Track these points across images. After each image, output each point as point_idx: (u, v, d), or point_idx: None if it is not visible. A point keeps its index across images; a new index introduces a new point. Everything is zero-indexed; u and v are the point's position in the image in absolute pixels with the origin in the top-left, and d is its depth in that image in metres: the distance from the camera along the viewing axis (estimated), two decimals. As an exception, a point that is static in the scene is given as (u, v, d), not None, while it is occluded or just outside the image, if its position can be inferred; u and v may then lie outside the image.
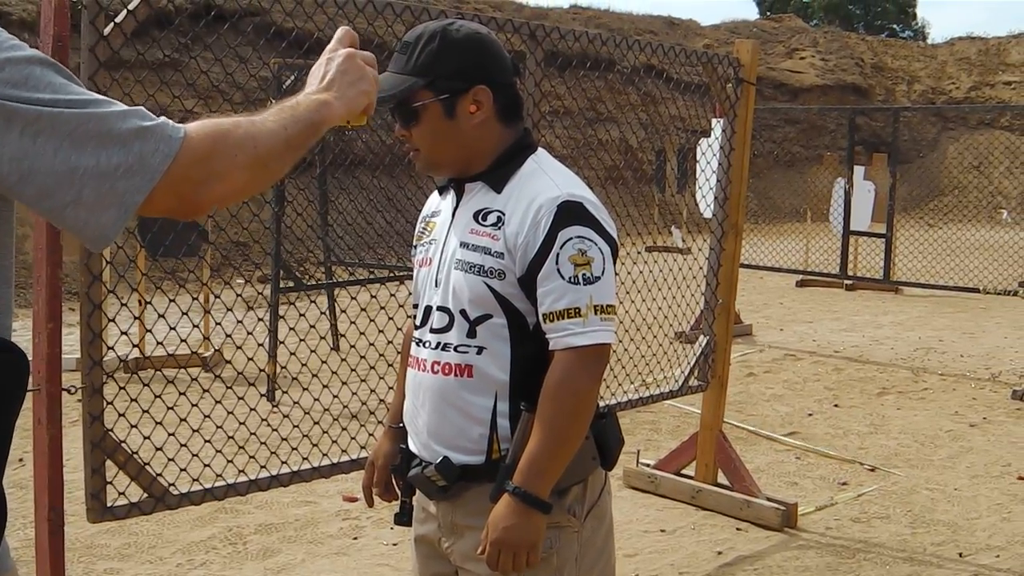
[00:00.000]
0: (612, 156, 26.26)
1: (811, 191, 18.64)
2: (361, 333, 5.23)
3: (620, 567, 5.09)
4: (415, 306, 2.82)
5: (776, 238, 17.77)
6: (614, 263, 2.63)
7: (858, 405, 8.87)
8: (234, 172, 1.67)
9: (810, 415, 8.48)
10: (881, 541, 5.73)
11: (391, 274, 9.68)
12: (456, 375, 2.64)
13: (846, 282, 15.78)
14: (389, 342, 5.16)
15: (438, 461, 2.64)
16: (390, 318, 5.19)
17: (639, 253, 6.10)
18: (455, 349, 2.64)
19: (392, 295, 5.90)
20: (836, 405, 8.86)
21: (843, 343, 11.86)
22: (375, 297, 5.63)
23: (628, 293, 6.21)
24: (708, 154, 8.38)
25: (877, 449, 7.55)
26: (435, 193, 2.88)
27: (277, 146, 1.73)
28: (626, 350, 6.33)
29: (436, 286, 2.71)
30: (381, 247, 11.06)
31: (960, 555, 5.54)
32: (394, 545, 5.48)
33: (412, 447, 2.80)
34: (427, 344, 2.71)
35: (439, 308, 2.70)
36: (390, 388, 5.16)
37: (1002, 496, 6.55)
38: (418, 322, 2.78)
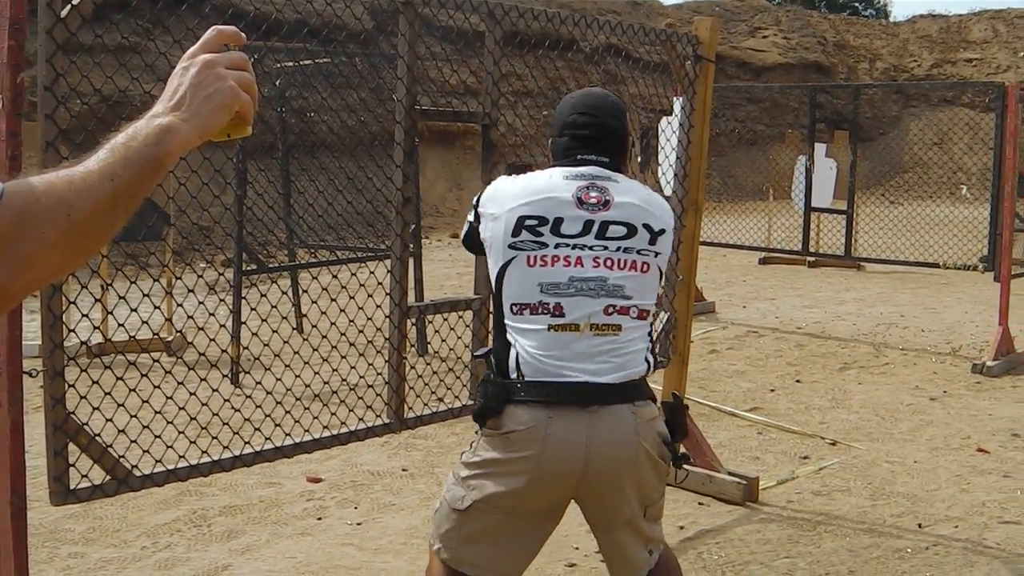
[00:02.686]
0: (576, 136, 26.11)
1: (773, 169, 18.78)
2: (322, 313, 5.23)
3: (583, 544, 5.16)
4: None
5: (739, 216, 17.87)
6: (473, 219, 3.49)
7: (820, 380, 8.96)
8: (42, 255, 1.39)
9: (772, 391, 8.55)
10: (841, 513, 5.79)
11: (353, 255, 9.67)
12: None
13: (808, 259, 15.87)
14: (351, 321, 5.18)
15: None
16: (351, 298, 5.20)
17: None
18: None
19: (353, 274, 5.90)
20: (798, 381, 8.93)
21: (805, 319, 11.95)
22: (336, 278, 5.63)
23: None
24: (668, 132, 8.40)
25: (838, 423, 7.62)
26: None
27: (101, 205, 1.44)
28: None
29: None
30: (344, 229, 11.06)
31: (919, 526, 5.61)
32: (358, 524, 5.50)
33: None
34: None
35: None
36: (352, 368, 5.21)
37: (961, 468, 6.63)
38: None
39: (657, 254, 3.33)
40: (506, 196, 3.34)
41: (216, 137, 1.66)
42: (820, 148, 14.53)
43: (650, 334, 3.40)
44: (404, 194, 4.78)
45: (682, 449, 3.42)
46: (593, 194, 3.28)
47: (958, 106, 34.18)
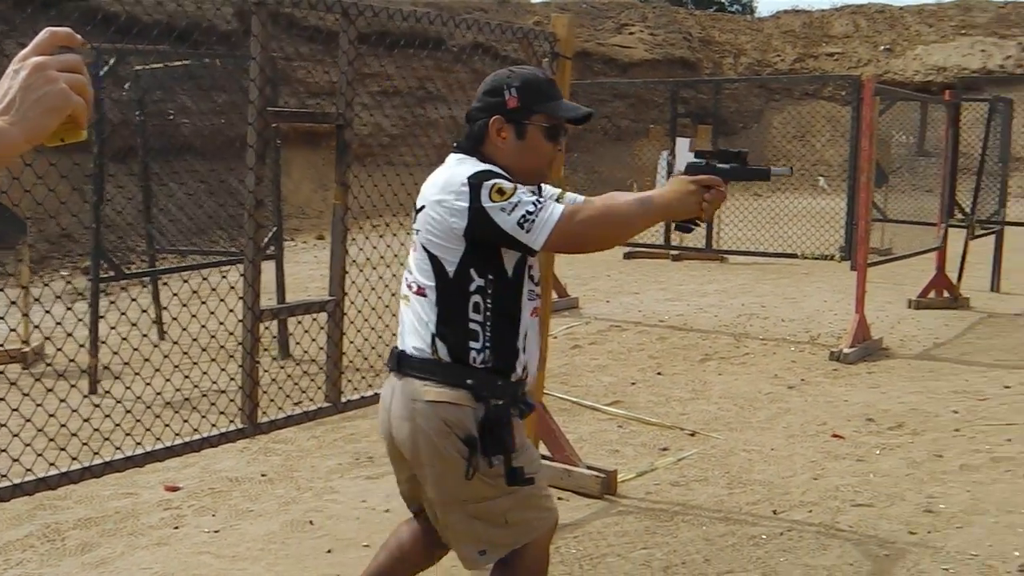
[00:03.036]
0: (442, 135, 26.21)
1: (638, 164, 18.93)
2: (173, 319, 5.16)
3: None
4: (532, 266, 3.49)
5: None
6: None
7: (681, 372, 9.08)
8: None
9: (633, 384, 8.65)
10: (699, 503, 5.88)
11: (208, 259, 9.55)
12: None
13: (672, 253, 16.07)
14: (203, 327, 5.12)
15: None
16: (203, 303, 5.14)
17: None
18: None
19: (205, 279, 5.84)
20: (659, 373, 9.04)
21: (668, 312, 12.11)
22: (187, 283, 5.56)
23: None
24: None
25: (698, 414, 7.73)
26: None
27: None
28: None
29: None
30: (210, 232, 10.94)
31: (774, 512, 5.72)
32: (215, 532, 5.44)
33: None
34: (539, 295, 3.55)
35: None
36: (204, 374, 5.15)
37: (816, 454, 6.77)
38: (537, 279, 3.54)
39: (417, 231, 3.41)
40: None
41: (49, 141, 1.62)
42: (683, 142, 14.69)
43: (442, 314, 3.38)
44: (256, 197, 4.73)
45: (516, 463, 3.36)
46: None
47: (819, 99, 34.85)
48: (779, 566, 5.01)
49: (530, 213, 3.20)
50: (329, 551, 5.19)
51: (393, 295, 5.95)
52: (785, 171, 3.64)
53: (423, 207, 3.37)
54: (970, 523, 5.55)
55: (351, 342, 5.67)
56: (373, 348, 5.99)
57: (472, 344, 3.37)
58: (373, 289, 5.90)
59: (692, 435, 7.22)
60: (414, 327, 3.41)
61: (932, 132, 14.23)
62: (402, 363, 3.44)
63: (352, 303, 5.54)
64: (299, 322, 5.66)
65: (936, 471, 6.42)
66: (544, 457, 6.22)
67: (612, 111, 30.72)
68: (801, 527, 5.50)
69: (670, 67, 33.54)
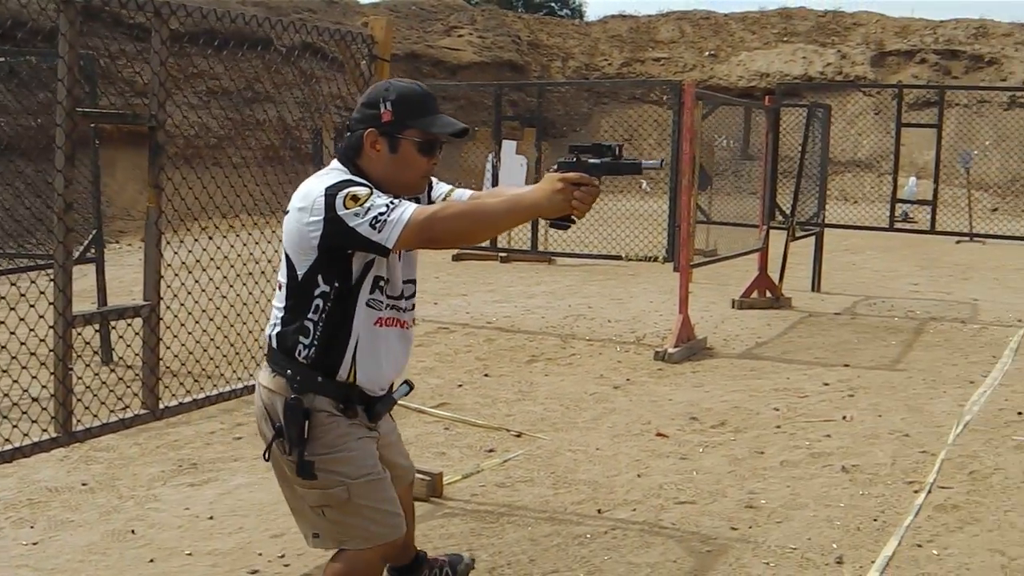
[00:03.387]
0: (270, 136, 25.91)
1: (465, 166, 18.91)
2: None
3: (267, 547, 5.05)
4: (387, 281, 3.62)
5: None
6: None
7: (507, 373, 9.07)
8: None
9: (460, 386, 8.60)
10: (524, 504, 5.85)
11: (27, 264, 9.21)
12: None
13: (501, 255, 16.09)
14: (12, 333, 4.92)
15: (402, 385, 3.97)
16: (12, 308, 4.94)
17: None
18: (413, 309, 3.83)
19: (13, 284, 5.61)
20: (486, 375, 9.01)
21: (496, 314, 12.11)
22: (15, 285, 5.33)
23: (263, 274, 6.15)
24: None
25: (524, 415, 7.72)
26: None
27: None
28: (263, 330, 6.28)
29: (409, 264, 3.79)
30: (27, 235, 10.56)
31: (599, 511, 5.72)
32: (34, 544, 5.21)
33: (382, 386, 3.79)
34: (406, 310, 3.78)
35: (410, 281, 3.81)
36: (15, 382, 4.94)
37: (640, 453, 6.81)
38: (396, 293, 3.69)
39: (282, 236, 3.59)
40: None
41: None
42: (510, 145, 14.72)
43: (291, 312, 3.58)
44: (66, 199, 4.56)
45: (310, 457, 3.52)
46: None
47: (646, 103, 35.38)
48: (604, 564, 5.01)
49: (382, 214, 3.32)
50: (151, 560, 5.02)
51: (211, 299, 5.85)
52: (655, 164, 3.64)
53: (288, 212, 3.53)
54: (790, 518, 5.63)
55: (167, 347, 5.52)
56: (191, 353, 5.85)
57: (302, 339, 3.56)
58: (189, 293, 5.75)
59: (518, 436, 7.20)
60: (275, 319, 3.65)
61: (755, 136, 14.52)
62: (266, 355, 3.70)
63: (168, 308, 5.38)
64: (118, 326, 5.46)
65: (757, 467, 6.51)
66: (369, 460, 6.14)
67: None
68: (625, 525, 5.51)
69: (499, 70, 33.69)
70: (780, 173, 13.59)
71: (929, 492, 6.06)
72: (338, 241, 3.40)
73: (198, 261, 5.84)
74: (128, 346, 5.60)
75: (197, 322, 5.68)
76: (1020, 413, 7.89)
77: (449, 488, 6.07)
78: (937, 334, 11.39)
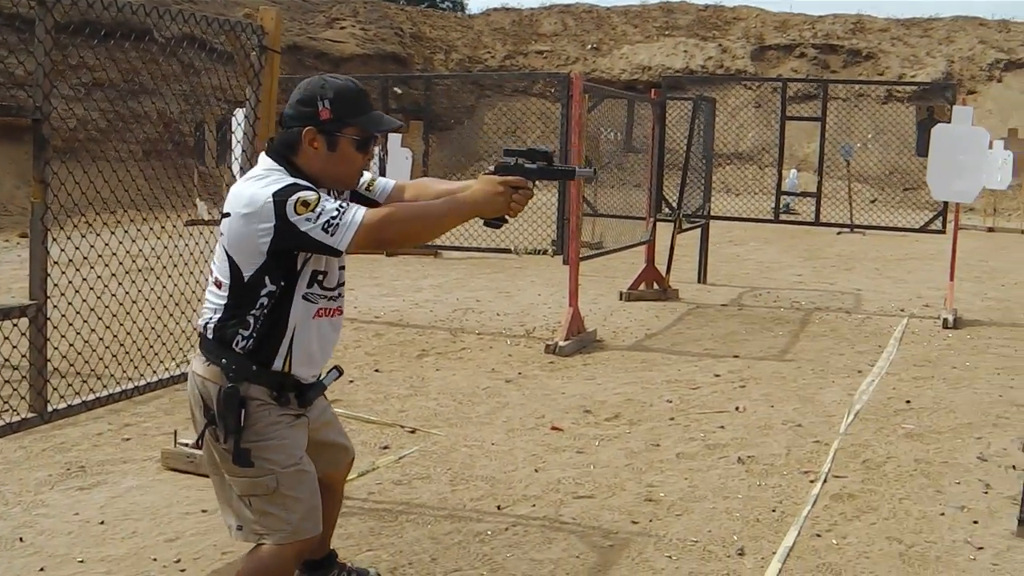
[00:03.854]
0: (152, 129, 25.44)
1: (351, 159, 18.74)
2: None
3: (161, 552, 4.90)
4: (325, 274, 3.67)
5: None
6: None
7: (398, 368, 8.95)
8: None
9: (351, 382, 8.46)
10: (423, 501, 5.75)
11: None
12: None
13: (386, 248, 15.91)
14: None
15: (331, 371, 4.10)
16: None
17: (175, 228, 5.91)
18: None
19: None
20: (377, 370, 8.89)
21: (384, 308, 11.98)
22: None
23: (165, 268, 5.98)
24: (245, 125, 8.23)
25: (417, 411, 7.61)
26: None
27: None
28: (165, 326, 6.13)
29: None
30: None
31: (499, 508, 5.64)
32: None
33: (314, 373, 3.84)
34: (339, 297, 3.79)
35: (342, 268, 3.79)
36: None
37: (536, 447, 6.75)
38: (333, 285, 3.73)
39: (222, 234, 3.57)
40: None
41: None
42: (396, 138, 14.60)
43: (230, 307, 3.60)
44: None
45: (246, 445, 3.57)
46: None
47: (531, 96, 35.38)
48: (506, 562, 4.94)
49: (333, 218, 3.39)
50: (42, 569, 4.82)
51: (99, 297, 5.66)
52: (588, 172, 3.84)
53: (229, 213, 3.53)
54: (689, 510, 5.62)
55: (55, 348, 5.32)
56: (79, 353, 5.65)
57: (242, 331, 3.59)
58: (77, 292, 5.57)
59: (412, 432, 7.09)
60: (204, 312, 3.68)
61: (639, 129, 14.56)
62: (200, 342, 3.73)
63: (56, 306, 5.20)
64: (2, 326, 5.24)
65: (654, 460, 6.49)
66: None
67: (324, 106, 30.33)
68: (526, 521, 5.45)
69: (382, 62, 33.47)
70: (666, 166, 13.65)
71: (825, 482, 6.10)
72: (288, 245, 3.46)
73: (85, 258, 5.65)
74: (14, 347, 5.38)
75: (86, 321, 5.49)
76: (908, 402, 8.00)
77: (346, 486, 5.94)
78: (823, 324, 11.52)
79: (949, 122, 12.07)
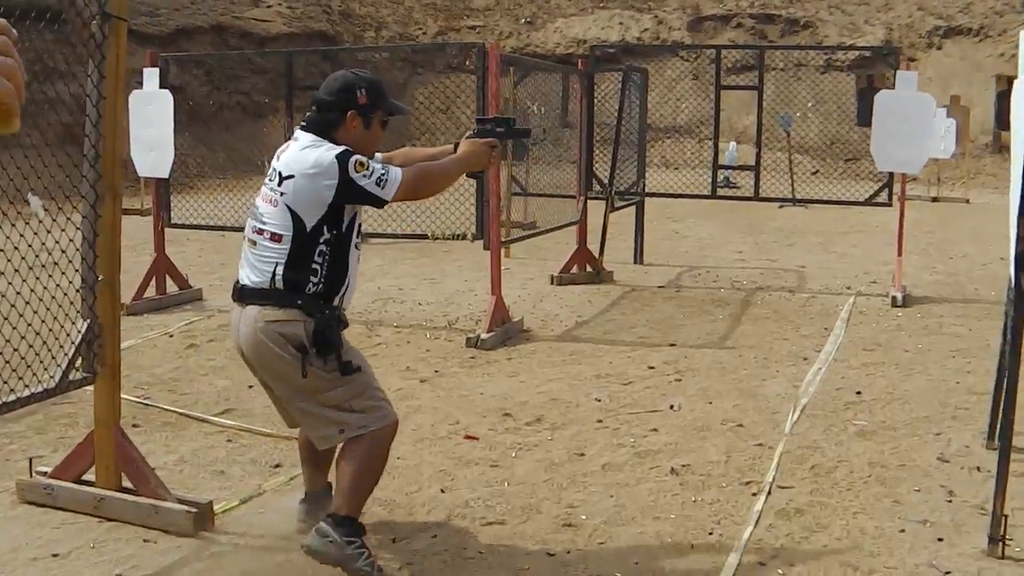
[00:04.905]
0: (67, 115, 24.34)
1: (272, 142, 17.87)
2: None
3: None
4: (360, 224, 4.60)
5: (243, 192, 16.85)
6: None
7: (305, 370, 8.17)
8: None
9: (251, 387, 7.65)
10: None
11: None
12: None
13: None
14: None
15: None
16: None
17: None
18: None
19: None
20: (282, 372, 8.12)
21: (299, 301, 11.18)
22: None
23: (18, 271, 5.12)
24: (88, 105, 7.54)
25: (319, 420, 6.86)
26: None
27: None
28: (23, 338, 5.23)
29: None
30: None
31: (393, 540, 4.90)
32: None
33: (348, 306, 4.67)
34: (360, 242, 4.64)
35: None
36: None
37: (446, 460, 6.01)
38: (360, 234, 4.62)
39: (282, 194, 4.37)
40: None
41: None
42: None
43: (290, 258, 4.35)
44: None
45: (345, 358, 4.42)
46: (280, 149, 4.56)
47: (464, 73, 34.46)
48: (394, 614, 4.20)
49: (383, 176, 4.35)
50: None
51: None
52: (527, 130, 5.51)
53: (291, 175, 4.35)
54: (614, 537, 4.90)
55: None
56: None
57: (312, 278, 4.38)
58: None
59: (309, 446, 6.34)
60: (254, 264, 4.41)
61: (575, 104, 13.80)
62: (244, 294, 4.45)
63: None
64: None
65: (577, 473, 5.76)
66: (126, 491, 5.23)
67: (252, 87, 29.43)
68: (422, 558, 4.71)
69: (310, 41, 32.42)
70: (598, 141, 12.94)
71: (769, 494, 5.41)
72: (347, 198, 4.35)
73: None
74: None
75: None
76: (859, 393, 7.35)
77: (223, 517, 5.19)
78: (765, 305, 10.86)
79: (893, 88, 11.43)
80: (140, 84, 10.65)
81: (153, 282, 10.85)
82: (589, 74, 12.51)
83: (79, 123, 4.54)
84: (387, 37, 36.35)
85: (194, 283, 11.45)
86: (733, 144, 27.53)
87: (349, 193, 4.30)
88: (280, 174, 4.39)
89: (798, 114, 28.23)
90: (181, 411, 7.04)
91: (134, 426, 6.67)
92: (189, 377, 7.98)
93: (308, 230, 4.33)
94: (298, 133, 4.48)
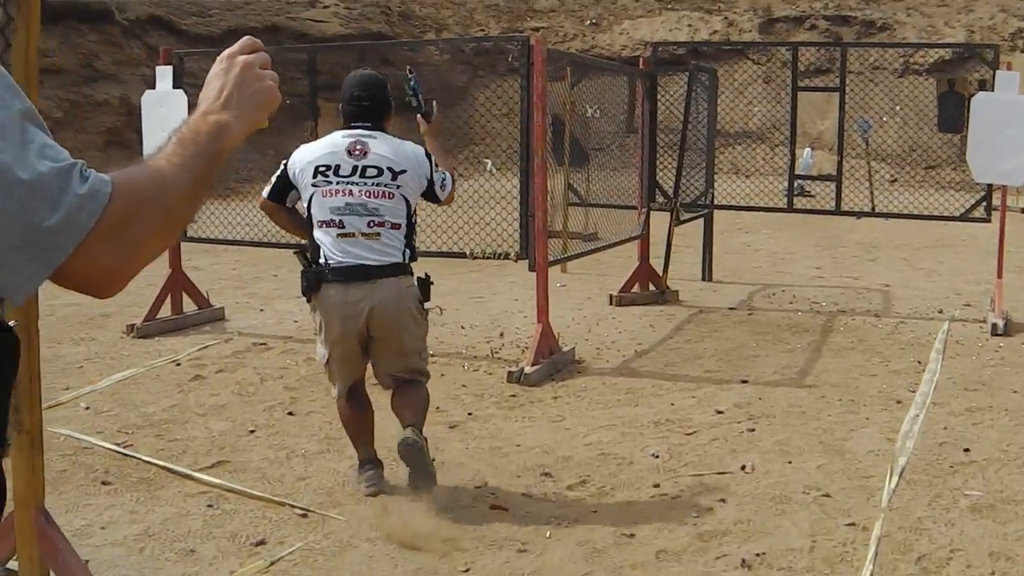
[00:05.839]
0: (113, 118, 23.63)
1: (283, 149, 16.86)
2: None
3: None
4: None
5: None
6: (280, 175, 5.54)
7: (318, 410, 7.05)
8: (147, 240, 1.63)
9: (252, 432, 6.62)
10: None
11: None
12: None
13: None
14: None
15: None
16: None
17: None
18: None
19: None
20: (290, 413, 7.03)
21: (327, 323, 10.11)
22: None
23: None
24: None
25: (322, 477, 5.78)
26: None
27: (185, 195, 1.69)
28: None
29: None
30: None
31: (385, 662, 3.81)
32: None
33: None
34: None
35: None
36: None
37: (466, 539, 4.89)
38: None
39: (399, 186, 5.31)
40: (307, 153, 5.36)
41: (239, 141, 1.82)
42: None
43: (406, 236, 5.38)
44: None
45: (431, 305, 5.62)
46: (358, 147, 5.27)
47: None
48: None
49: (445, 179, 5.53)
50: None
51: None
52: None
53: (404, 170, 5.32)
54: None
55: None
56: None
57: (409, 251, 5.42)
58: None
59: (304, 516, 5.25)
60: (386, 250, 5.28)
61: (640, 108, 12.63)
62: (373, 273, 5.25)
63: None
64: None
65: (624, 564, 4.61)
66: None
67: (306, 87, 28.51)
68: None
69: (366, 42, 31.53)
70: (663, 147, 11.81)
71: (867, 600, 4.25)
72: (424, 191, 5.49)
73: None
74: None
75: None
76: (967, 450, 6.14)
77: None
78: (848, 332, 9.66)
79: (984, 92, 10.20)
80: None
81: (168, 301, 9.83)
82: (651, 74, 11.37)
83: (121, 126, 3.36)
84: (469, 43, 35.41)
85: (217, 301, 10.42)
86: (808, 150, 26.27)
87: (428, 187, 5.48)
88: (391, 169, 5.29)
89: (885, 118, 26.86)
90: (162, 464, 5.97)
91: (104, 483, 5.68)
92: (184, 418, 6.92)
93: (412, 214, 5.44)
94: (365, 131, 5.33)
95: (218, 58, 1.84)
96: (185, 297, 10.01)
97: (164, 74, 9.55)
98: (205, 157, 1.70)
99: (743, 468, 5.85)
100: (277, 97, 1.86)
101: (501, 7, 36.78)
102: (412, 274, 5.41)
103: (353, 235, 5.19)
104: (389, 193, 5.25)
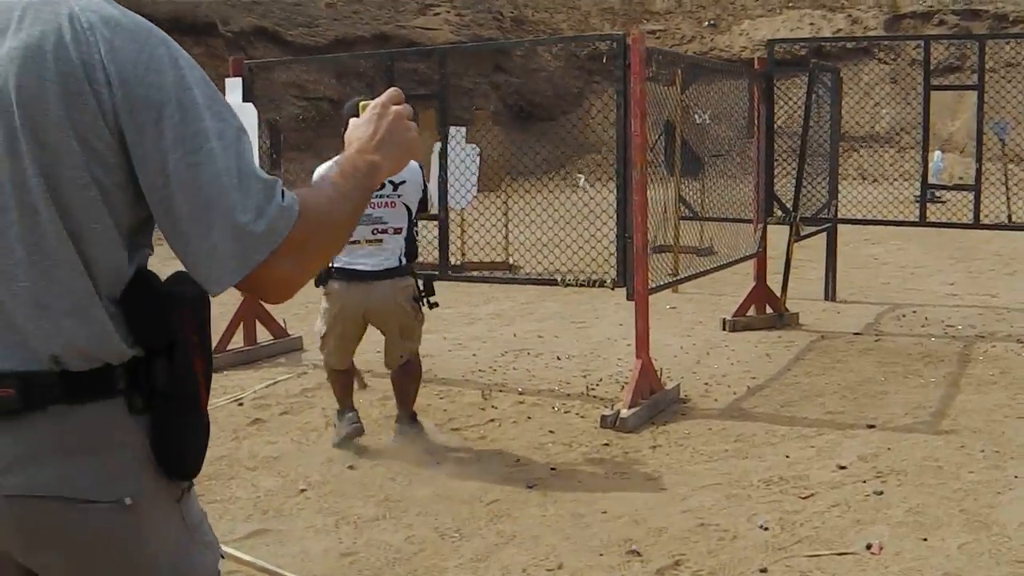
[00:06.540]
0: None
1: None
2: None
3: None
4: None
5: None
6: None
7: (384, 461, 6.23)
8: (317, 259, 1.82)
9: (303, 491, 5.82)
10: None
11: None
12: None
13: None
14: None
15: None
16: None
17: None
18: None
19: None
20: (351, 467, 6.21)
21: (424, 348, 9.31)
22: None
23: None
24: None
25: (372, 551, 4.95)
26: None
27: (343, 222, 1.85)
28: None
29: None
30: None
31: None
32: None
33: None
34: None
35: None
36: None
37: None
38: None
39: (400, 196, 6.25)
40: (321, 169, 5.68)
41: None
42: (458, 132, 11.82)
43: (406, 239, 6.34)
44: None
45: (434, 299, 6.51)
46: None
47: (650, 81, 32.49)
48: None
49: (428, 188, 6.76)
50: None
51: None
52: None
53: (403, 181, 6.20)
54: None
55: None
56: None
57: (414, 251, 6.47)
58: None
59: (340, 608, 4.44)
60: (385, 255, 6.23)
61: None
62: (371, 276, 6.22)
63: None
64: None
65: None
66: None
67: (407, 93, 27.95)
68: None
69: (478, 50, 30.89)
70: (782, 153, 10.84)
71: None
72: (421, 199, 6.50)
73: None
74: None
75: None
76: None
77: None
78: (989, 362, 8.59)
79: None
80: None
81: (241, 330, 9.12)
82: (767, 75, 10.41)
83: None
84: (561, 45, 34.61)
85: (295, 330, 9.66)
86: (939, 153, 24.96)
87: (423, 197, 6.51)
88: (391, 182, 6.11)
89: (1011, 119, 25.42)
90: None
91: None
92: (231, 473, 6.16)
93: (412, 219, 6.33)
94: None
95: (371, 104, 1.97)
96: (260, 326, 9.29)
97: (234, 87, 8.84)
98: (361, 190, 1.87)
99: (868, 548, 4.87)
100: (420, 147, 2.01)
101: (616, 10, 35.99)
102: (409, 274, 6.38)
103: (358, 242, 6.15)
104: (391, 202, 6.25)
